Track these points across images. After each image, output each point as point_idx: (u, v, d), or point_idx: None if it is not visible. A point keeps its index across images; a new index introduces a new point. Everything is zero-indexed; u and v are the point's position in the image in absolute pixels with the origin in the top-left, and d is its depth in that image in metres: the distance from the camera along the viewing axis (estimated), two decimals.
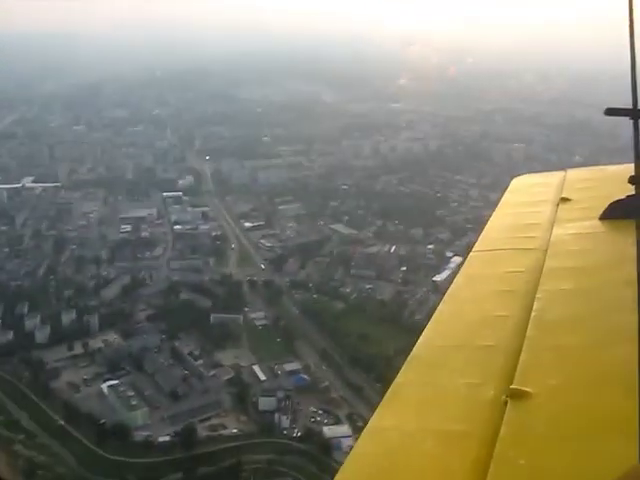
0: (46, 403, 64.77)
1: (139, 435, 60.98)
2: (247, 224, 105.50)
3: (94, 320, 76.93)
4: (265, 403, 63.89)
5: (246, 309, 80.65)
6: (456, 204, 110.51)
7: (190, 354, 72.32)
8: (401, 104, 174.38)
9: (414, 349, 4.68)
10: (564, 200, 6.90)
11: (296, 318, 79.32)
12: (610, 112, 4.21)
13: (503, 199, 7.90)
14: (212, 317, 77.50)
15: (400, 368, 4.45)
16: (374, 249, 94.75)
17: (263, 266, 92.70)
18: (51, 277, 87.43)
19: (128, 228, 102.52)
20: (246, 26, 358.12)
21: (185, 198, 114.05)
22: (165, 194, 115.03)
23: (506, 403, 3.68)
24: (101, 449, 58.83)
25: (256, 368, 69.81)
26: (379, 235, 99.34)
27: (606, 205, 6.00)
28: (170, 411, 63.82)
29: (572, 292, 4.91)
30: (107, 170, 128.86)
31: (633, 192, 4.74)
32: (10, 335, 74.03)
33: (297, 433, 61.22)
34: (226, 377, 68.50)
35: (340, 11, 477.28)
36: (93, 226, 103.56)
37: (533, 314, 4.59)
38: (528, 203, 7.47)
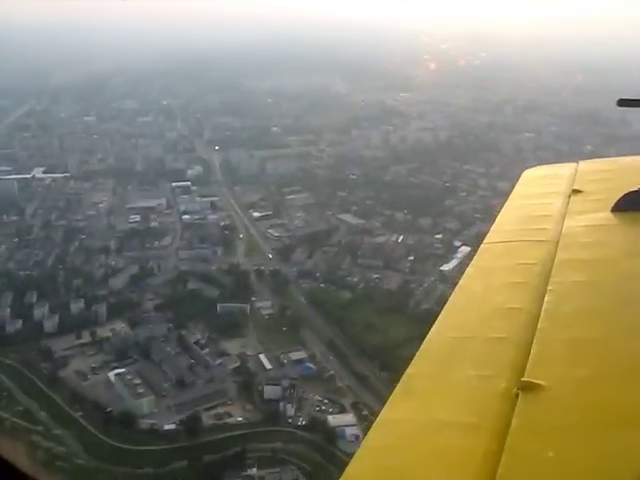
0: (54, 391, 65.27)
1: (145, 423, 61.29)
2: (255, 214, 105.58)
3: (102, 309, 77.33)
4: (270, 392, 63.96)
5: (253, 298, 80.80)
6: (465, 194, 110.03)
7: (197, 343, 72.50)
8: (411, 94, 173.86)
9: (425, 341, 4.67)
10: (576, 192, 6.85)
11: (303, 307, 79.33)
12: (622, 103, 4.16)
13: (514, 191, 7.86)
14: (219, 306, 77.66)
15: (409, 359, 4.43)
16: (382, 239, 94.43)
17: (271, 256, 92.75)
18: (60, 267, 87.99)
19: (137, 218, 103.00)
20: (255, 17, 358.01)
21: (194, 188, 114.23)
22: (174, 184, 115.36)
23: (517, 395, 3.67)
24: (107, 436, 59.25)
25: (262, 357, 69.95)
26: (387, 225, 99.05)
27: (618, 197, 5.97)
28: (176, 399, 64.07)
29: (584, 284, 4.89)
30: (116, 160, 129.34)
31: None
32: (19, 324, 74.67)
33: (302, 422, 61.25)
34: (232, 366, 68.68)
35: (351, 0, 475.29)
36: (102, 216, 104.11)
37: (545, 306, 4.58)
38: (539, 195, 7.45)
